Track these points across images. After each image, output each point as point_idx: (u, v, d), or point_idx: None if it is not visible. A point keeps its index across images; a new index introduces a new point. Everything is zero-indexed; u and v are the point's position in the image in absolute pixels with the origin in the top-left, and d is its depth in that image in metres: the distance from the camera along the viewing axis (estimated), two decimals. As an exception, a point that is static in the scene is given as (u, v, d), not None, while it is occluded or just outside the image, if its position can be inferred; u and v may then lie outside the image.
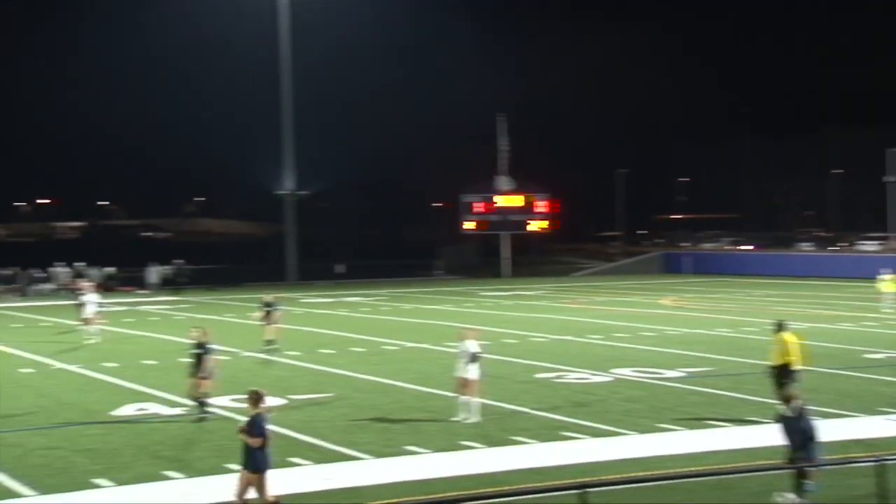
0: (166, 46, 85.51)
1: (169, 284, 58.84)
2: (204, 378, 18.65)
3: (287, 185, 71.25)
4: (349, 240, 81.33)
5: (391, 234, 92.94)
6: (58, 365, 26.38)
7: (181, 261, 60.56)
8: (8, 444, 16.71)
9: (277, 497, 12.18)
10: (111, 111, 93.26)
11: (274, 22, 68.14)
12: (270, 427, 12.39)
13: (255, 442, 11.90)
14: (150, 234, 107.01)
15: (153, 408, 19.95)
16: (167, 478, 14.65)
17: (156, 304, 49.10)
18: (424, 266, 72.45)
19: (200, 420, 18.39)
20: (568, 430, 17.58)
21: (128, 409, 19.75)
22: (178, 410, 19.50)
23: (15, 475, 14.69)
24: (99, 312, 32.67)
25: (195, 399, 18.78)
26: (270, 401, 20.52)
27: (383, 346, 30.17)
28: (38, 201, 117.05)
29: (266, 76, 74.91)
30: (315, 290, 60.44)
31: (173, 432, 17.63)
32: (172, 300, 52.24)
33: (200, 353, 18.77)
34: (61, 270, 56.98)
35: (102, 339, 31.44)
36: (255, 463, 11.93)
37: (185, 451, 16.19)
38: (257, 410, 12.17)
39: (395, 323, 38.25)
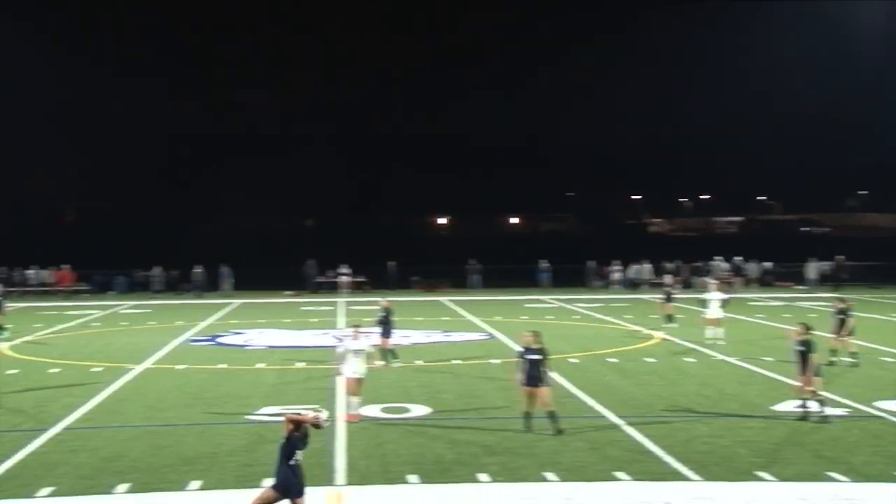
0: (842, 36, 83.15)
1: (828, 281, 57.43)
2: (811, 376, 17.99)
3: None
4: None
5: None
6: (718, 356, 27.10)
7: (842, 257, 58.74)
8: (675, 429, 17.58)
9: None
10: (770, 101, 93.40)
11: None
12: None
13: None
14: (808, 228, 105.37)
15: (814, 406, 19.56)
16: (831, 479, 14.26)
17: (814, 301, 48.19)
18: None
19: (823, 419, 17.92)
20: None
21: (787, 405, 19.62)
22: (839, 411, 18.93)
23: (682, 459, 15.39)
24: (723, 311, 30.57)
25: (803, 398, 18.33)
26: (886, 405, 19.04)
27: None
28: (700, 197, 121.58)
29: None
30: None
31: (834, 433, 17.15)
32: (831, 297, 50.77)
33: (804, 350, 18.16)
34: (720, 265, 58.37)
35: (758, 335, 31.53)
36: None
37: (850, 454, 15.64)
38: None
39: None
